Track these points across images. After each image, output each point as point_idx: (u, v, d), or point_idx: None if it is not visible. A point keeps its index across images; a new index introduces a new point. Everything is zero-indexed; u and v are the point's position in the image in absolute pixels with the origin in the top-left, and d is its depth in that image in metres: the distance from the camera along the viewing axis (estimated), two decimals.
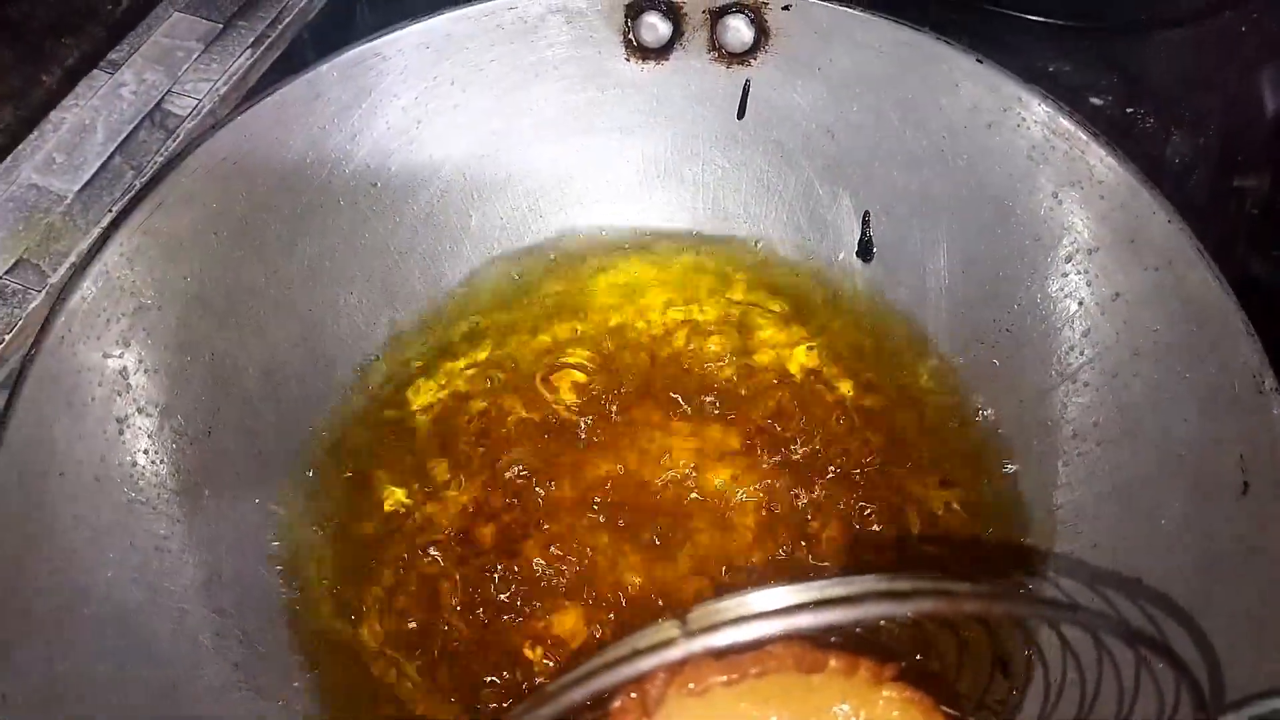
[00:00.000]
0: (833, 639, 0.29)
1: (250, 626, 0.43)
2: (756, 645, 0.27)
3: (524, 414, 0.49)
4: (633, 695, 0.27)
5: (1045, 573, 0.39)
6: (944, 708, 0.29)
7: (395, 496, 0.47)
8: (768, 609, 0.21)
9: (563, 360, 0.51)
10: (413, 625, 0.44)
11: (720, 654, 0.27)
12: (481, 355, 0.52)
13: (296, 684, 0.43)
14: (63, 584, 0.39)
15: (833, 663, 0.28)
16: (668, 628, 0.21)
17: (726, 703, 0.27)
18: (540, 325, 0.53)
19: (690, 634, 0.21)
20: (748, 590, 0.21)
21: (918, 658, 0.31)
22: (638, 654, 0.21)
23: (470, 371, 0.51)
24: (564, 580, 0.44)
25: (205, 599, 0.43)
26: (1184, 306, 0.39)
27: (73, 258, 0.53)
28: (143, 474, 0.43)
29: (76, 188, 0.55)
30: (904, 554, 0.40)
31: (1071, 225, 0.44)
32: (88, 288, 0.42)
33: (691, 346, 0.51)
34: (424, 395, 0.50)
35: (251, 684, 0.42)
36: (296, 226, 0.48)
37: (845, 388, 0.48)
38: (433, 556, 0.45)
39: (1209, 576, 0.34)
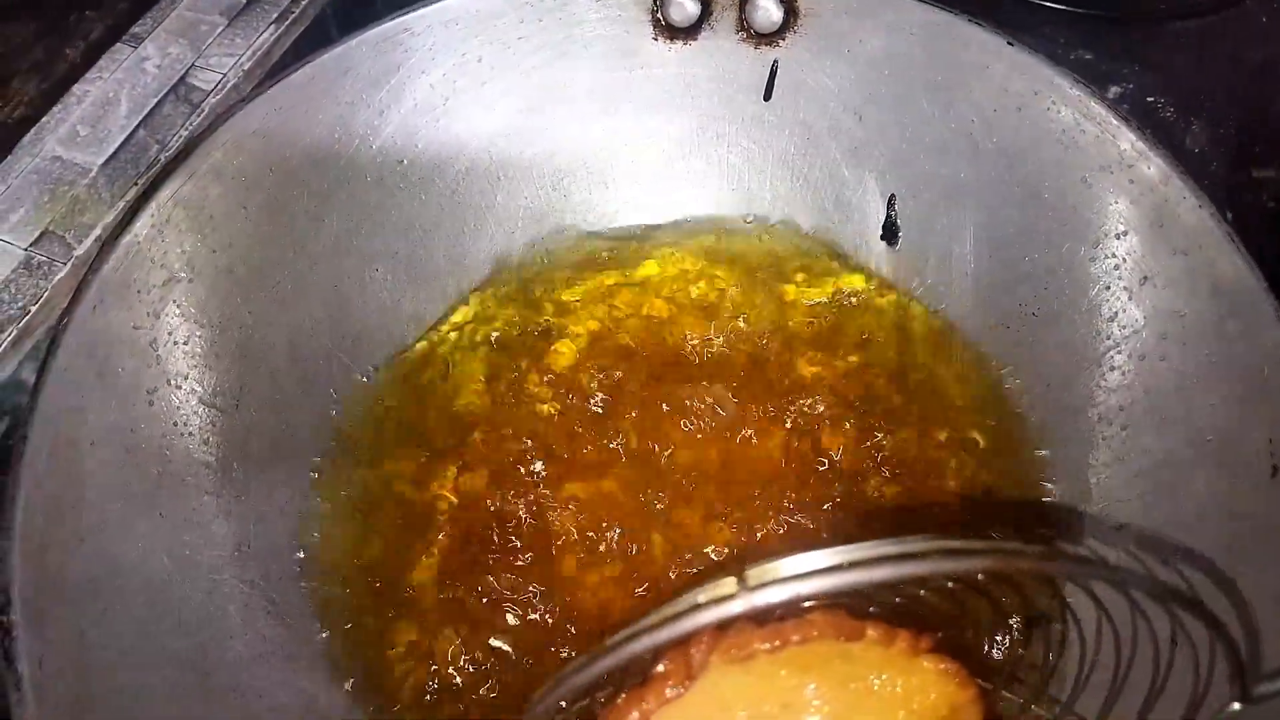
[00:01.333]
0: (871, 609, 0.29)
1: (278, 597, 0.44)
2: (802, 610, 0.27)
3: (545, 389, 0.50)
4: (677, 660, 0.27)
5: (1079, 541, 0.39)
6: (979, 680, 0.29)
7: (420, 470, 0.47)
8: (821, 566, 0.21)
9: (587, 338, 0.51)
10: (442, 596, 0.44)
11: (762, 621, 0.28)
12: (504, 333, 0.52)
13: (324, 655, 0.44)
14: (93, 553, 0.39)
15: (871, 633, 0.28)
16: (727, 584, 0.22)
17: (768, 669, 0.28)
18: (564, 305, 0.53)
19: (749, 590, 0.22)
20: (802, 551, 0.22)
21: (954, 630, 0.32)
22: (698, 608, 0.22)
23: (491, 350, 0.52)
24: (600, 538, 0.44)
25: (234, 570, 0.43)
26: (1213, 290, 0.39)
27: (98, 230, 0.53)
28: (172, 445, 0.43)
29: (101, 161, 0.55)
30: (935, 524, 0.41)
31: (1100, 209, 0.44)
32: (118, 258, 0.42)
33: (714, 325, 0.51)
34: (447, 370, 0.51)
35: (279, 654, 0.43)
36: (324, 202, 0.48)
37: (871, 369, 0.49)
38: (460, 527, 0.46)
39: (1237, 557, 0.34)
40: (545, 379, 0.50)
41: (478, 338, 0.52)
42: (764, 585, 0.21)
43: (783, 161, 0.53)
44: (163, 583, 0.41)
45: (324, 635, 0.44)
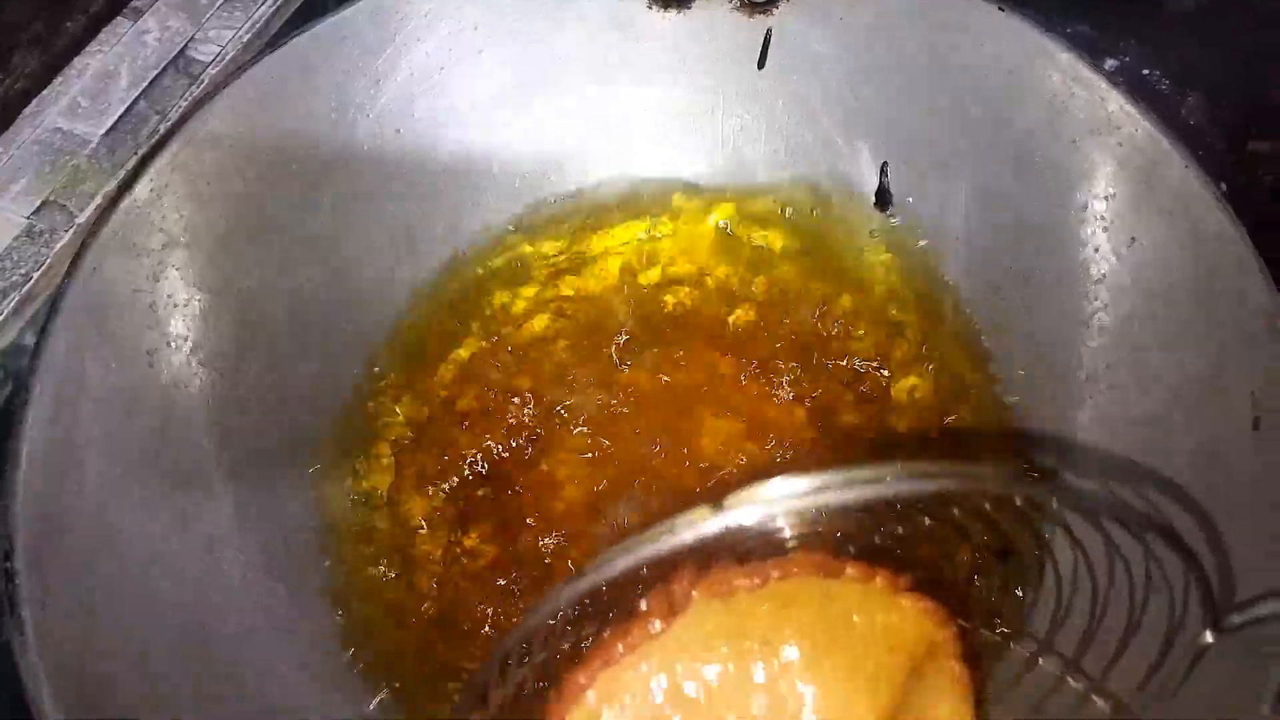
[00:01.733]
0: (850, 549, 0.30)
1: (279, 566, 0.44)
2: (782, 550, 0.28)
3: (544, 346, 0.51)
4: (659, 597, 0.28)
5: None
6: (958, 619, 0.30)
7: (419, 430, 0.48)
8: (798, 490, 0.22)
9: (578, 309, 0.52)
10: (443, 551, 0.45)
11: (743, 560, 0.28)
12: (501, 302, 0.53)
13: (325, 625, 0.44)
14: (94, 511, 0.40)
15: (850, 571, 0.29)
16: (703, 511, 0.22)
17: (749, 606, 0.28)
18: (558, 268, 0.53)
19: (723, 511, 0.22)
20: (777, 476, 0.22)
21: (933, 571, 0.32)
22: (672, 531, 0.22)
23: (489, 319, 0.52)
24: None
25: (235, 536, 0.44)
26: (1199, 249, 0.40)
27: (99, 199, 0.54)
28: (172, 406, 0.44)
29: (101, 132, 0.56)
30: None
31: (1090, 172, 0.44)
32: (117, 221, 0.43)
33: (705, 292, 0.52)
34: (445, 339, 0.51)
35: (280, 625, 0.43)
36: (321, 170, 0.49)
37: (860, 328, 0.50)
38: (460, 486, 0.46)
39: (1219, 505, 0.34)
40: (535, 346, 0.51)
41: (475, 308, 0.53)
42: (738, 506, 0.22)
43: (777, 130, 0.53)
44: (163, 549, 0.41)
45: (327, 606, 0.45)
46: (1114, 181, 0.44)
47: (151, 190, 0.44)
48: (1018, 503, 0.26)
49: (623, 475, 0.46)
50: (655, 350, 0.50)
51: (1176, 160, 0.41)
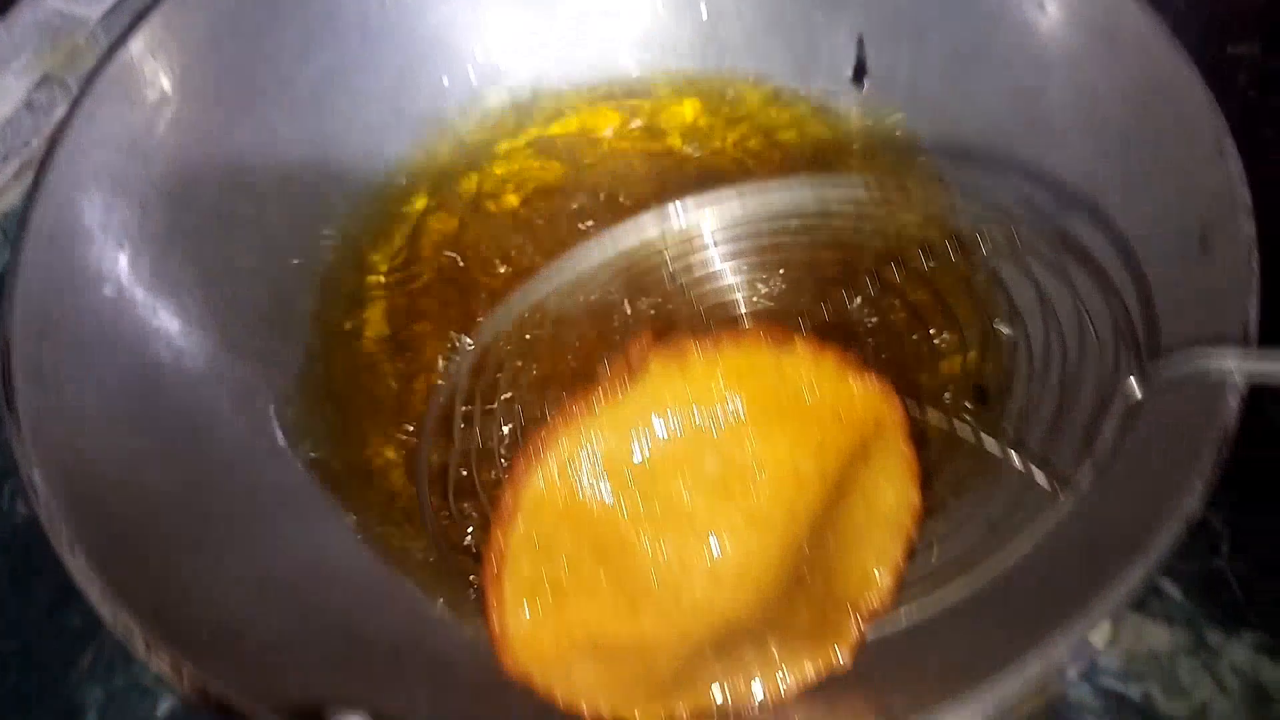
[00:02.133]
0: (802, 323, 0.31)
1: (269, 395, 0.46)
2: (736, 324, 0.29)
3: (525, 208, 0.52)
4: (619, 363, 0.30)
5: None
6: (907, 397, 0.31)
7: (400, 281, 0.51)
8: (727, 196, 0.23)
9: (562, 168, 0.53)
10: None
11: (697, 329, 0.30)
12: (489, 170, 0.54)
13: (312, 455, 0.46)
14: (92, 327, 0.41)
15: (799, 345, 0.31)
16: (646, 218, 0.24)
17: (703, 374, 0.30)
18: (540, 156, 0.55)
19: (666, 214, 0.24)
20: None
21: (883, 352, 0.34)
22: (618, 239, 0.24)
23: (477, 192, 0.54)
24: None
25: (225, 365, 0.46)
26: (1155, 91, 0.41)
27: None
28: (166, 253, 0.46)
29: (99, 14, 0.58)
30: None
31: (1053, 32, 0.46)
32: (114, 71, 0.44)
33: (692, 167, 0.53)
34: (425, 209, 0.53)
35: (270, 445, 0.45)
36: (308, 37, 0.50)
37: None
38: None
39: (1170, 321, 0.35)
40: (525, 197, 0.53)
41: (455, 184, 0.54)
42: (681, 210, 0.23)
43: (756, 9, 0.54)
44: (154, 367, 0.43)
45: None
46: (1076, 36, 0.45)
47: (145, 47, 0.46)
48: (952, 256, 0.27)
49: None
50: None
51: (1133, 8, 0.42)
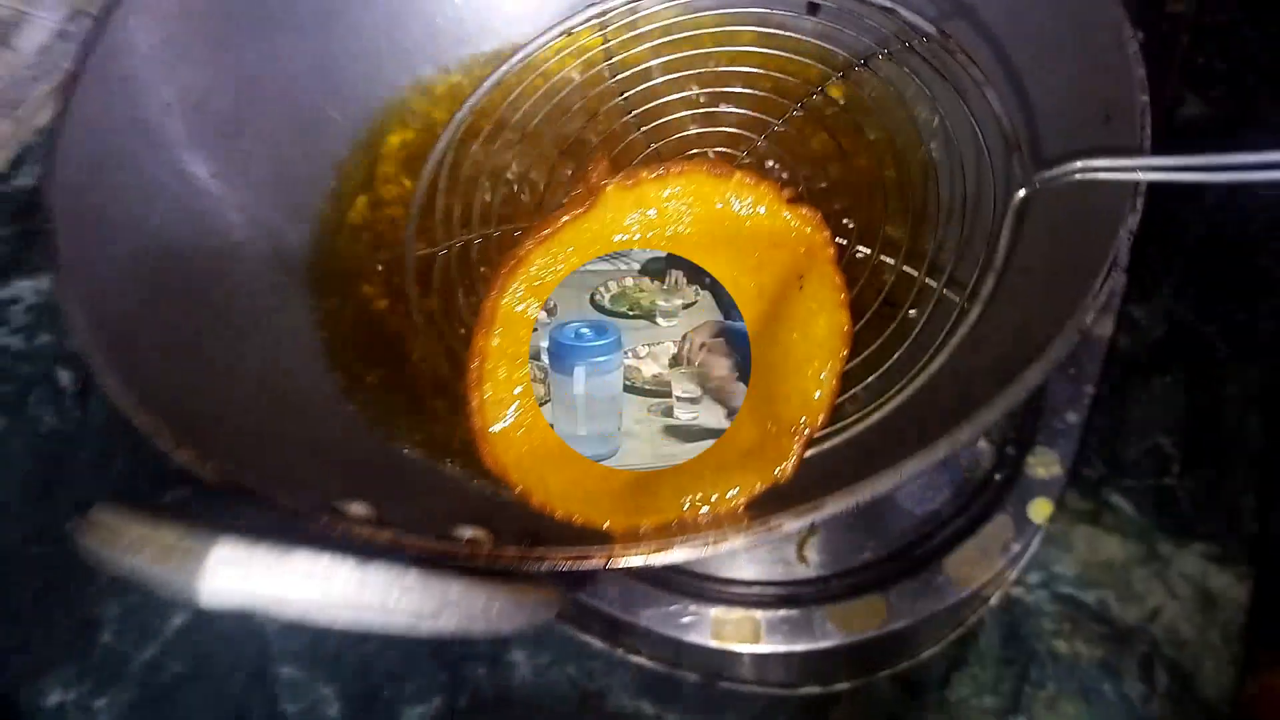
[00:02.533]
0: (743, 157, 0.36)
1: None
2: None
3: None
4: (581, 188, 0.35)
5: None
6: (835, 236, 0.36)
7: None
8: None
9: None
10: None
11: (649, 162, 0.35)
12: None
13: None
14: (121, 205, 0.46)
15: (739, 175, 0.35)
16: None
17: (654, 196, 0.35)
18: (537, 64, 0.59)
19: None
20: None
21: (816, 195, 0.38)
22: None
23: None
24: None
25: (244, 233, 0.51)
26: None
27: None
28: (184, 158, 0.51)
29: None
30: None
31: None
32: None
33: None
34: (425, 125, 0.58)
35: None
36: None
37: None
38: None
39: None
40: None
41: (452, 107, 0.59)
42: None
43: None
44: (183, 215, 0.49)
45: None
46: None
47: None
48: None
49: None
50: None
51: None
